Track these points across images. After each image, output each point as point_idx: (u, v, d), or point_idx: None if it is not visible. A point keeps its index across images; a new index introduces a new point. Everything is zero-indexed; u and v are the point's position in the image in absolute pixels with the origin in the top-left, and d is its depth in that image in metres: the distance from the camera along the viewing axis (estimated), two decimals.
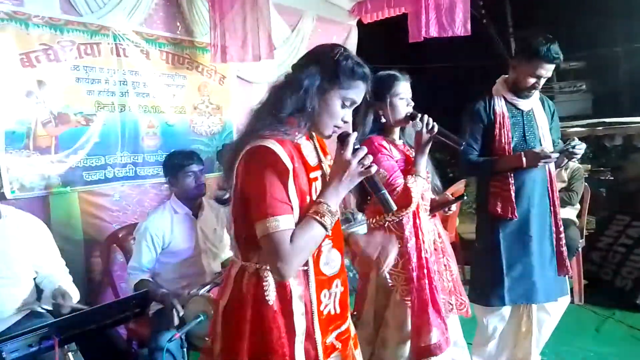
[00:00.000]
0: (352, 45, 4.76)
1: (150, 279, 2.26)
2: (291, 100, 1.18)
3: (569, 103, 11.09)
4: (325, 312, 1.25)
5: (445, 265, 2.07)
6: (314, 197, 1.20)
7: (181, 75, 3.25)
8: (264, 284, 1.20)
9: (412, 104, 2.00)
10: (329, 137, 1.26)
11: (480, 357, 2.47)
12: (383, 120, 1.98)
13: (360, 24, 4.74)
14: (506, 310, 2.40)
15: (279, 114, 1.19)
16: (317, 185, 1.24)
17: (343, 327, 1.33)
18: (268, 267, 1.20)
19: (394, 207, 1.23)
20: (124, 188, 2.99)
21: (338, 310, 1.30)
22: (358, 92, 1.23)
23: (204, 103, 3.40)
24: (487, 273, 2.37)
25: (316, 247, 1.19)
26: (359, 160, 1.17)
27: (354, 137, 1.19)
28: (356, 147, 1.19)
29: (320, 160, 1.31)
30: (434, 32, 3.06)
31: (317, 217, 1.15)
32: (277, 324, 1.19)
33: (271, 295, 1.20)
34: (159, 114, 3.14)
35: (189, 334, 2.07)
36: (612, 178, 7.86)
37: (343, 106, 1.22)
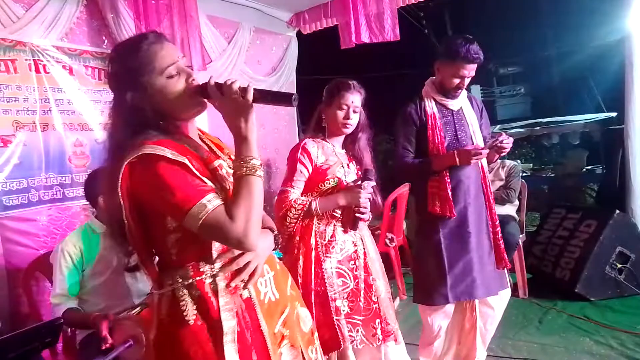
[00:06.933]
0: (293, 56, 4.76)
1: (78, 307, 2.10)
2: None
3: (510, 106, 11.56)
4: (266, 301, 1.24)
5: (367, 285, 2.02)
6: (228, 187, 1.15)
7: (110, 91, 3.10)
8: (181, 303, 1.15)
9: (356, 114, 2.04)
10: None
11: (426, 357, 2.46)
12: (324, 124, 2.07)
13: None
14: (450, 307, 2.40)
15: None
16: (224, 172, 1.18)
17: (286, 312, 1.29)
18: (185, 283, 1.15)
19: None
20: (51, 211, 2.81)
21: (278, 295, 1.28)
22: None
23: None
24: (430, 272, 2.36)
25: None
26: None
27: None
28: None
29: (213, 151, 1.28)
30: (365, 38, 3.11)
31: (249, 172, 1.10)
32: (199, 339, 1.13)
33: (190, 313, 1.14)
34: (87, 132, 3.00)
35: None
36: (553, 175, 8.23)
37: None
